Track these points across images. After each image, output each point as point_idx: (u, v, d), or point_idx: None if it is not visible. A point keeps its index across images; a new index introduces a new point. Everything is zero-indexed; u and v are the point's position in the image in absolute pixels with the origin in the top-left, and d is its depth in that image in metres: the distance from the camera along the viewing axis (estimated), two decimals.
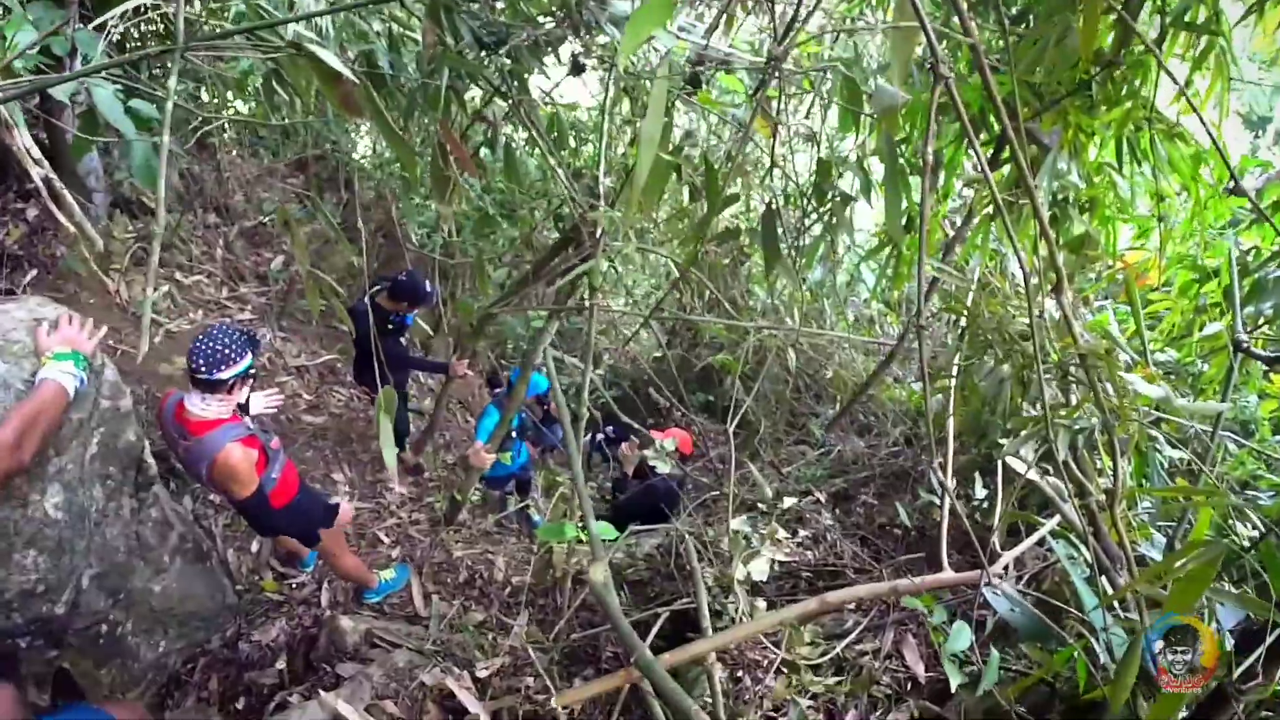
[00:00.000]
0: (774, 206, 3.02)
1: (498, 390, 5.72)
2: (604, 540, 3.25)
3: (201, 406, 3.05)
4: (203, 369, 2.96)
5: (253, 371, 3.17)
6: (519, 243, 7.08)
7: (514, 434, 5.31)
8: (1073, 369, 2.82)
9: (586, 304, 3.25)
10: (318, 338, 6.70)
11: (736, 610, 3.19)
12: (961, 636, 2.71)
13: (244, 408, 3.27)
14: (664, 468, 3.98)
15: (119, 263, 5.35)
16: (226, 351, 2.99)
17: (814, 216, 3.35)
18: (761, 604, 3.31)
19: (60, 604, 2.72)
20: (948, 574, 2.75)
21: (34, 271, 4.85)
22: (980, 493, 3.79)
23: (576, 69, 3.71)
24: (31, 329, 2.49)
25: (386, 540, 4.92)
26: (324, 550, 3.87)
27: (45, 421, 2.35)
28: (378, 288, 5.08)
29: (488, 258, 5.68)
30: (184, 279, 5.83)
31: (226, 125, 6.41)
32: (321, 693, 3.26)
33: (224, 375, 2.98)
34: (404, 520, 5.18)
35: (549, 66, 3.73)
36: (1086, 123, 2.95)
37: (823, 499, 4.43)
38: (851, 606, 3.50)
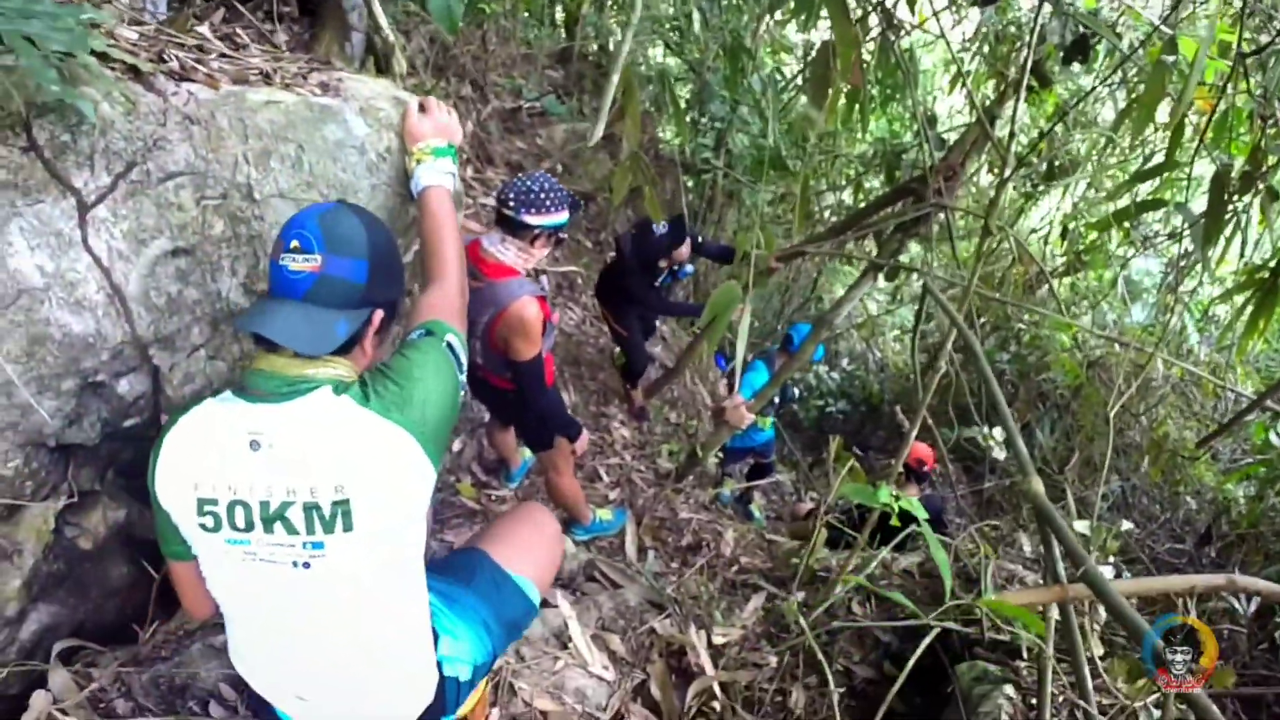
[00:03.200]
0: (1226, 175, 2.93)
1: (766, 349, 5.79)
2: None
3: (500, 248, 3.18)
4: (511, 204, 3.09)
5: (561, 235, 3.31)
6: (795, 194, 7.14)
7: (775, 401, 5.36)
8: None
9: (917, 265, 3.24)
10: (560, 244, 6.95)
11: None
12: None
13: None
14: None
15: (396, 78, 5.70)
16: (543, 196, 3.11)
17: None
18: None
19: None
20: None
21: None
22: None
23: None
24: (394, 103, 2.55)
25: (607, 478, 5.07)
26: (550, 463, 3.93)
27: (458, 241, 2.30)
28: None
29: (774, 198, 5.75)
30: None
31: None
32: (560, 597, 3.35)
33: (530, 220, 3.10)
34: (626, 463, 5.29)
35: None
36: None
37: (1125, 525, 4.27)
38: None
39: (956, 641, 3.57)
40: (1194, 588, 2.57)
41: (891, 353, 9.30)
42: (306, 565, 1.71)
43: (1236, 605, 3.68)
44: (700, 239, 5.63)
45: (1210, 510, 5.01)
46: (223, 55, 2.43)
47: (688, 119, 7.63)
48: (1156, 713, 2.77)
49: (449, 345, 1.90)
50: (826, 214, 7.97)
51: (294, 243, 1.71)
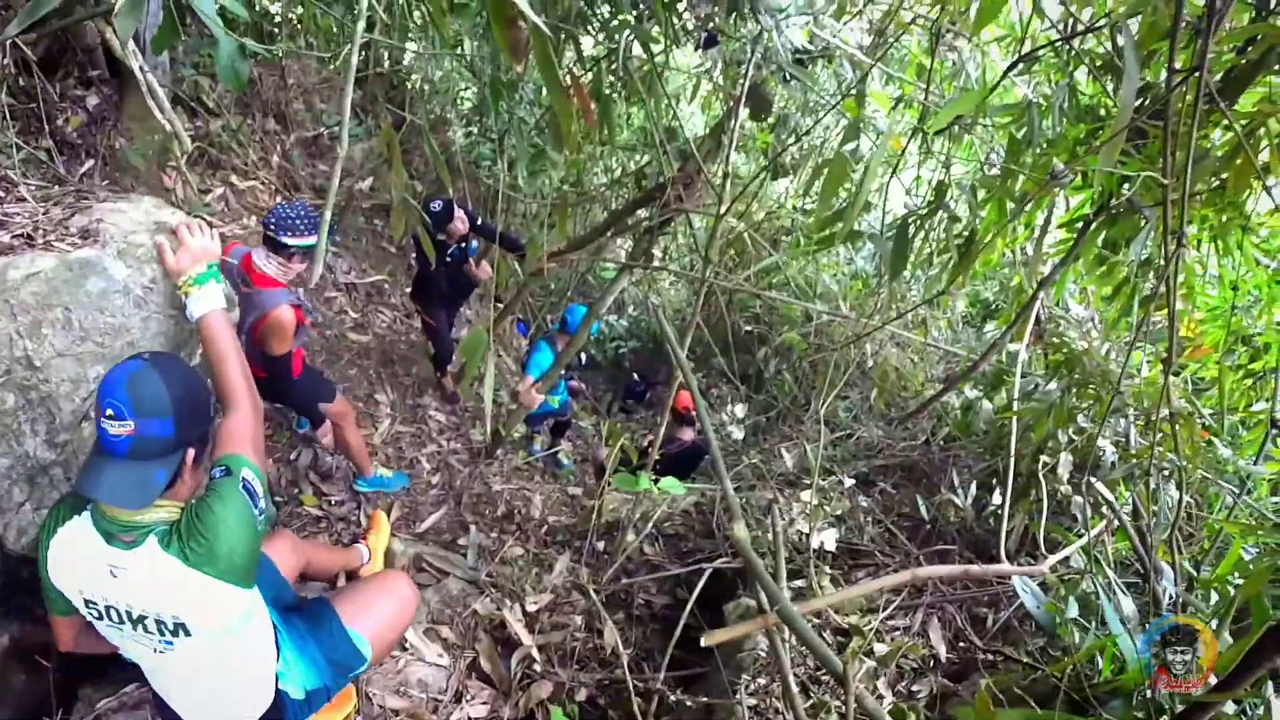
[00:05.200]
0: (909, 219, 3.11)
1: (549, 330, 5.78)
2: (671, 492, 3.40)
3: (264, 262, 3.30)
4: (272, 227, 3.25)
5: (311, 254, 3.37)
6: (567, 185, 7.09)
7: (566, 369, 5.39)
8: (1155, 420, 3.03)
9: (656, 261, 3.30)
10: (366, 256, 6.70)
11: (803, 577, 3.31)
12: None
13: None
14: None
15: (176, 160, 5.29)
16: (297, 222, 3.27)
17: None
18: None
19: None
20: (1007, 565, 2.88)
21: (91, 161, 4.78)
22: (995, 499, 3.93)
23: (710, 42, 3.71)
24: (152, 231, 2.37)
25: (428, 466, 4.99)
26: (335, 416, 4.07)
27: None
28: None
29: (546, 200, 5.69)
30: (239, 183, 5.77)
31: (293, 32, 6.32)
32: None
33: (286, 240, 3.25)
34: (444, 448, 5.24)
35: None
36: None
37: (847, 482, 4.51)
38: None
39: (729, 572, 3.79)
40: (884, 587, 2.73)
41: (667, 298, 9.47)
42: (163, 652, 1.91)
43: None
44: (480, 220, 5.56)
45: (930, 419, 5.34)
46: None
47: (474, 127, 7.47)
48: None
49: (245, 483, 1.90)
50: (604, 192, 7.91)
51: (108, 410, 1.72)
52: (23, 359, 1.99)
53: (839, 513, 3.90)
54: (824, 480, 4.39)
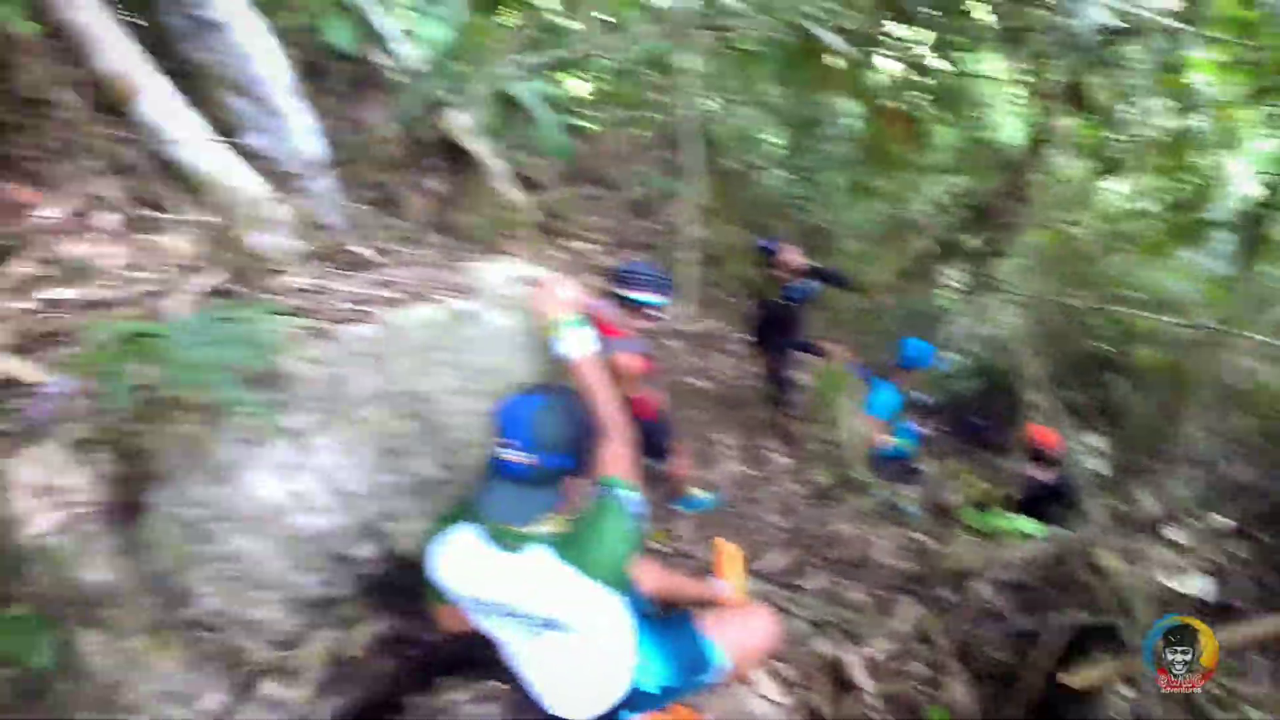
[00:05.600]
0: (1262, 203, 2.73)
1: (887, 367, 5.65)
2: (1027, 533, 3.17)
3: (611, 313, 3.49)
4: (618, 283, 3.57)
5: (649, 312, 3.60)
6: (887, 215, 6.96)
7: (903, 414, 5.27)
8: None
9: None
10: (701, 303, 7.00)
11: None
12: None
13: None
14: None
15: (519, 230, 5.92)
16: (634, 277, 3.56)
17: None
18: None
19: None
20: None
21: (446, 237, 5.43)
22: None
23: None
24: (519, 284, 2.64)
25: (770, 506, 5.07)
26: (679, 452, 4.39)
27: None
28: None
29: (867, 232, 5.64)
30: (574, 245, 6.37)
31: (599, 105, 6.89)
32: None
33: (619, 291, 3.54)
34: (785, 489, 5.28)
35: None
36: None
37: (1215, 523, 3.89)
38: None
39: (1081, 629, 3.42)
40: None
41: (1006, 326, 8.84)
42: (533, 642, 2.18)
43: None
44: (812, 265, 5.61)
45: None
46: (376, 282, 2.60)
47: (787, 169, 7.62)
48: None
49: (625, 502, 2.15)
50: (926, 218, 7.64)
51: (512, 441, 1.99)
52: (417, 393, 2.34)
53: (1207, 559, 3.38)
54: (1191, 522, 3.84)
